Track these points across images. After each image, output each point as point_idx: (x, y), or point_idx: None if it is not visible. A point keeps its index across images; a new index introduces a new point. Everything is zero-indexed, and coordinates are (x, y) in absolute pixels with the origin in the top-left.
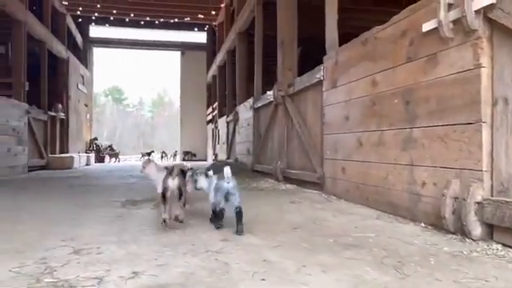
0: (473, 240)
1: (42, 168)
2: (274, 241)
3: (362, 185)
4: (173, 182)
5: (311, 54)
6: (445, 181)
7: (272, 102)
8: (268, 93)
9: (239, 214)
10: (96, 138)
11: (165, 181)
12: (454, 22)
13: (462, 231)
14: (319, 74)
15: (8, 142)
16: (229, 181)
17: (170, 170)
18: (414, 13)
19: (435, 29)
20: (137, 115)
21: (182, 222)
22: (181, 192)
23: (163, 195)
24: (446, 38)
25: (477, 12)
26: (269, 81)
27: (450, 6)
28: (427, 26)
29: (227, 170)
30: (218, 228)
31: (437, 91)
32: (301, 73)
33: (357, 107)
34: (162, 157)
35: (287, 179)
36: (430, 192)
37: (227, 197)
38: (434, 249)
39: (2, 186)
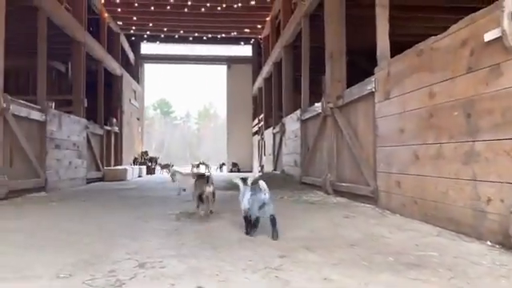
0: None
1: (99, 180)
2: (332, 258)
3: (420, 199)
4: (209, 189)
5: (357, 65)
6: None
7: (320, 113)
8: (316, 104)
9: (273, 220)
10: (147, 153)
11: (202, 187)
12: None
13: None
14: (370, 85)
15: (69, 156)
16: (265, 193)
17: (206, 179)
18: (474, 22)
19: (498, 38)
20: (184, 127)
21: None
22: (214, 195)
23: (200, 197)
24: (511, 47)
25: None
26: (314, 91)
27: None
28: (489, 36)
29: (262, 184)
30: (249, 234)
31: (502, 103)
32: (348, 84)
33: (412, 119)
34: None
35: (337, 192)
36: (496, 209)
37: (263, 206)
38: (505, 270)
39: (65, 199)
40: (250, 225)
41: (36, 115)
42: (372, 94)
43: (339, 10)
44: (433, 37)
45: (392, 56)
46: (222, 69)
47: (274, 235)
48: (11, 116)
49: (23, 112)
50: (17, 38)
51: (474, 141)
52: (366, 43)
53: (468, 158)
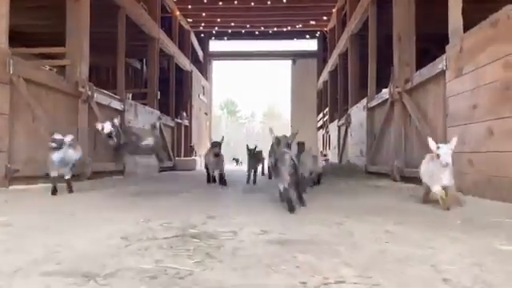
0: None
1: (170, 169)
2: (397, 219)
3: (494, 177)
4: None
5: (430, 52)
6: None
7: (387, 99)
8: (383, 90)
9: None
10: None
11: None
12: None
13: None
14: (441, 64)
15: None
16: None
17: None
18: None
19: None
20: (249, 126)
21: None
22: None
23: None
24: None
25: None
26: (383, 85)
27: None
28: None
29: None
30: None
31: None
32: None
33: (486, 94)
34: None
35: (405, 178)
36: None
37: None
38: None
39: (141, 181)
40: None
41: (116, 104)
42: (443, 73)
43: None
44: (509, 4)
45: None
46: (287, 65)
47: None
48: (95, 103)
49: (105, 100)
50: (96, 37)
51: None
52: (439, 29)
53: None
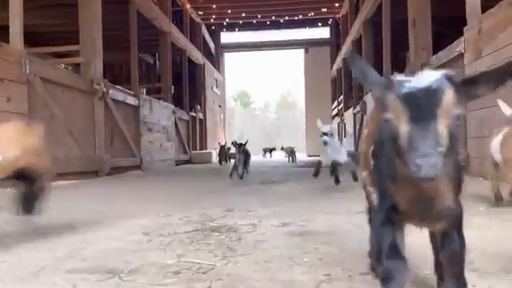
0: None
1: (186, 162)
2: None
3: None
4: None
5: (447, 36)
6: None
7: None
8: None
9: None
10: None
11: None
12: None
13: None
14: (459, 46)
15: (160, 139)
16: None
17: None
18: None
19: None
20: (263, 117)
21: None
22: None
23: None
24: None
25: None
26: (396, 69)
27: None
28: None
29: None
30: None
31: None
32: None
33: None
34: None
35: None
36: None
37: None
38: None
39: (161, 174)
40: None
41: (131, 100)
42: (461, 55)
43: None
44: None
45: None
46: (300, 54)
47: None
48: (110, 100)
49: (120, 96)
50: (109, 33)
51: None
52: (455, 12)
53: None
